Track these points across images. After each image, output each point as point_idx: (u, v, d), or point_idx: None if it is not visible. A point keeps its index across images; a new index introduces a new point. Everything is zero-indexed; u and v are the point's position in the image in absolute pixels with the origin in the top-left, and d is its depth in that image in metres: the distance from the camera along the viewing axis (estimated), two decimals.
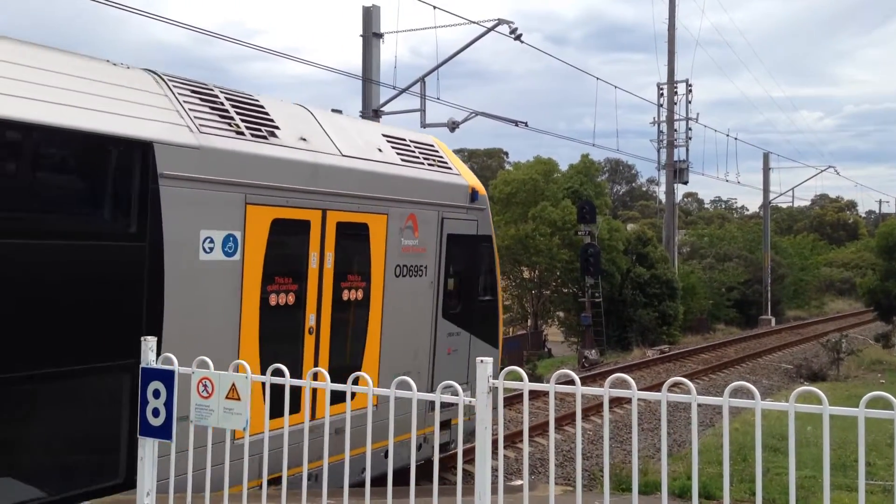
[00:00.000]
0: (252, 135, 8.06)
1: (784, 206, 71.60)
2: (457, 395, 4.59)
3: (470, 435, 9.78)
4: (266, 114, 8.55)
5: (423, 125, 17.84)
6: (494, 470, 4.62)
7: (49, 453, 6.36)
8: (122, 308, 6.79)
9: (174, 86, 7.75)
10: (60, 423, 6.41)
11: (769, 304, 38.77)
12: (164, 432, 4.86)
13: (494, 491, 4.50)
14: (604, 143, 42.76)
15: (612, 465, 12.14)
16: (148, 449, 5.03)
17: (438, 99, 16.95)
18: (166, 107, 7.44)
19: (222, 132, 7.75)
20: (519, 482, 10.81)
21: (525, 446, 4.66)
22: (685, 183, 30.91)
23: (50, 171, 6.64)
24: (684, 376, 18.88)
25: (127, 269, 6.85)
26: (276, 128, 8.48)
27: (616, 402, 16.80)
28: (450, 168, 11.03)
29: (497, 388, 4.56)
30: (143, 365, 5.04)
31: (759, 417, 4.05)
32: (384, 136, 10.35)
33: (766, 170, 40.88)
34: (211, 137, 7.56)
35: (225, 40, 24.79)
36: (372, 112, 17.81)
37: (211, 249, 7.50)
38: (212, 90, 8.17)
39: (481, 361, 4.57)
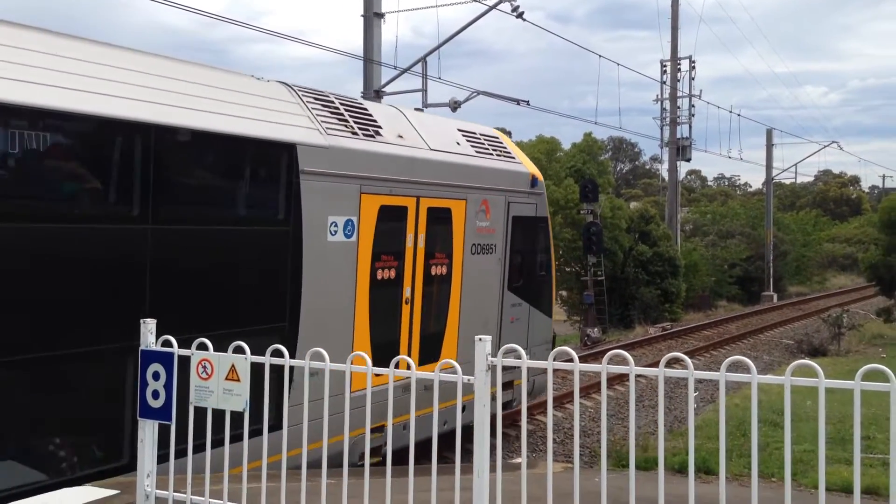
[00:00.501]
0: (363, 134, 9.53)
1: (787, 182, 71.45)
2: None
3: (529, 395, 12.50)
4: (370, 115, 10.01)
5: (425, 105, 17.78)
6: (495, 447, 4.64)
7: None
8: (275, 279, 8.38)
9: (303, 94, 9.23)
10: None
11: (771, 280, 38.80)
12: (163, 414, 4.90)
13: (494, 469, 4.54)
14: (607, 122, 42.68)
15: (613, 441, 12.21)
16: (148, 431, 5.08)
17: (440, 79, 16.91)
18: (300, 113, 8.93)
19: (342, 133, 9.25)
20: (518, 460, 10.88)
21: (524, 424, 4.70)
22: (688, 160, 30.84)
23: (228, 171, 8.30)
24: (686, 353, 18.94)
25: (277, 248, 8.40)
26: (380, 127, 9.93)
27: (617, 379, 16.85)
28: (513, 157, 12.58)
29: (495, 365, 4.58)
30: (142, 347, 5.07)
31: (756, 391, 4.07)
32: (459, 130, 11.81)
33: (769, 146, 40.76)
34: (335, 138, 9.08)
35: (228, 23, 24.66)
36: (373, 93, 17.74)
37: (335, 232, 9.02)
38: (328, 97, 9.62)
39: (479, 340, 4.60)
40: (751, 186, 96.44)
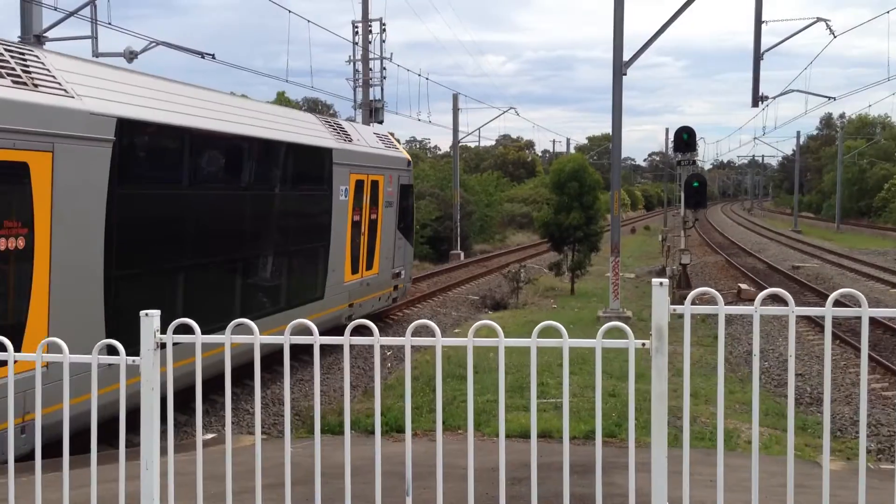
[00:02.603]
0: (354, 141, 17.11)
1: (472, 145, 75.89)
2: (117, 353, 4.09)
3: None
4: (350, 128, 17.86)
5: (96, 54, 16.11)
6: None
7: (289, 282, 14.38)
8: (320, 220, 15.43)
9: (320, 119, 17.03)
10: (305, 263, 15.06)
11: (459, 239, 40.93)
12: None
13: (171, 451, 4.09)
14: (301, 82, 41.97)
15: (308, 408, 12.07)
16: None
17: (110, 24, 15.33)
18: (323, 130, 16.02)
19: (344, 140, 16.51)
20: (211, 436, 10.34)
21: (198, 402, 4.26)
22: (381, 122, 31.27)
23: (306, 161, 15.05)
24: (381, 314, 19.33)
25: (322, 202, 15.45)
26: (352, 133, 17.56)
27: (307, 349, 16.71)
28: (398, 148, 20.91)
29: (167, 343, 4.11)
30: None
31: (440, 353, 4.06)
32: (374, 133, 19.67)
33: (456, 110, 42.75)
34: (341, 143, 16.25)
35: None
36: (33, 38, 15.70)
37: (342, 195, 16.12)
38: (331, 119, 18.40)
39: (146, 315, 4.08)
40: (440, 149, 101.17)
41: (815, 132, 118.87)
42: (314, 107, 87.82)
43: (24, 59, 8.86)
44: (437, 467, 4.02)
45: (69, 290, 8.95)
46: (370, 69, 29.60)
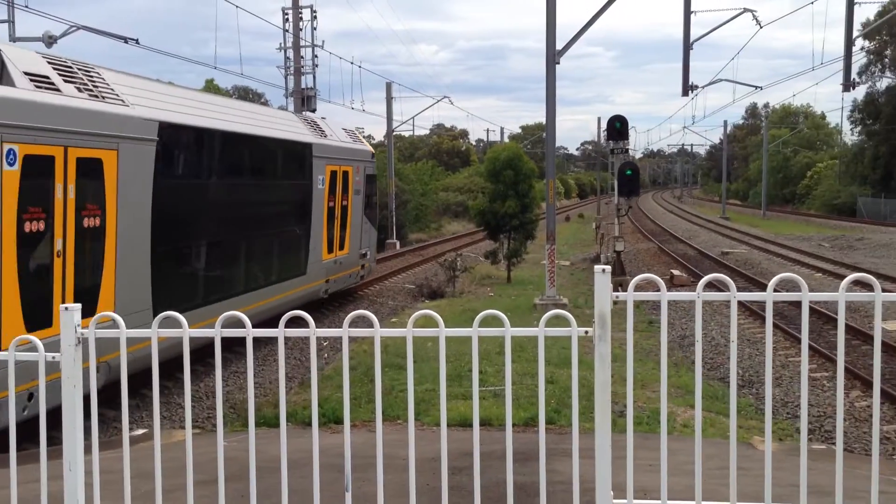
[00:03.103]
0: (330, 137, 19.77)
1: (406, 134, 75.56)
2: (34, 350, 3.87)
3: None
4: (325, 126, 20.30)
5: (12, 39, 15.44)
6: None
7: (281, 258, 16.51)
8: (303, 205, 17.62)
9: (300, 118, 19.59)
10: (293, 243, 17.19)
11: (394, 228, 40.75)
12: None
13: (95, 449, 3.88)
14: (232, 69, 41.12)
15: (242, 401, 11.84)
16: None
17: (27, 7, 14.68)
18: (302, 128, 18.29)
19: (322, 137, 19.06)
20: (141, 431, 10.03)
21: (124, 400, 4.07)
22: (313, 111, 30.77)
23: (290, 155, 17.24)
24: (314, 306, 19.07)
25: (305, 190, 17.64)
26: (327, 131, 20.04)
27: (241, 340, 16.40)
28: (363, 142, 23.60)
29: (88, 338, 3.90)
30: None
31: (379, 344, 3.96)
32: (343, 129, 21.96)
33: (389, 99, 42.43)
34: (320, 139, 18.76)
35: None
36: None
37: (320, 183, 18.43)
38: (309, 117, 20.83)
39: (65, 309, 3.87)
40: (374, 138, 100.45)
41: (741, 121, 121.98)
42: (244, 95, 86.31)
43: (90, 75, 10.96)
44: (377, 458, 3.91)
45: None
46: (301, 57, 29.14)
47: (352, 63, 39.73)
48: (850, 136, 77.76)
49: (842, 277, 24.47)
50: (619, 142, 24.73)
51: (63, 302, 9.93)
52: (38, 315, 9.37)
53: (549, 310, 4.01)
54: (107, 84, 11.06)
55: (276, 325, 3.90)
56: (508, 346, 3.96)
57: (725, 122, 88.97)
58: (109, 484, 4.35)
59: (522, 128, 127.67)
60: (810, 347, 14.17)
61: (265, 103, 49.73)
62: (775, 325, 16.24)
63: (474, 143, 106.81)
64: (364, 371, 11.97)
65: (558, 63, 20.13)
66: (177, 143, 12.55)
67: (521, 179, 26.11)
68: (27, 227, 9.21)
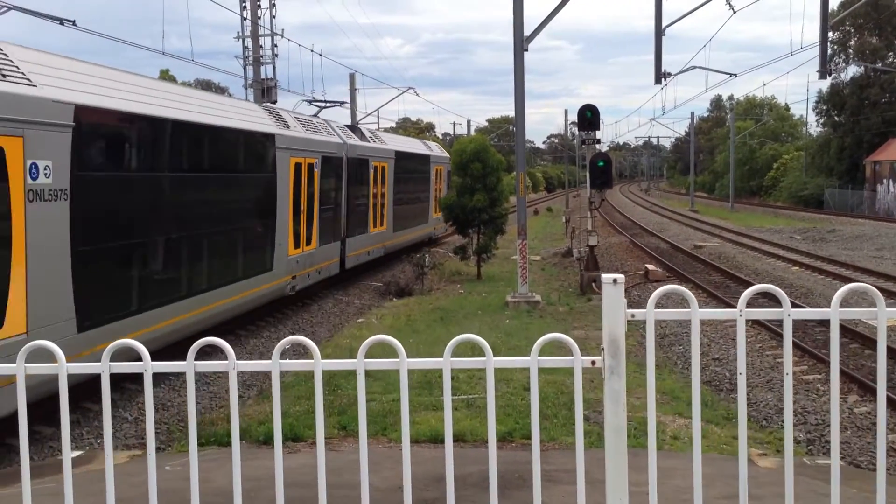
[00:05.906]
0: (304, 129, 19.52)
1: (372, 127, 74.31)
2: None
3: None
4: (305, 120, 20.51)
5: None
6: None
7: (249, 251, 16.08)
8: (268, 198, 16.91)
9: (265, 108, 18.67)
10: (257, 237, 16.62)
11: None
12: None
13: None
14: (184, 58, 39.74)
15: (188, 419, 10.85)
16: None
17: None
18: (267, 119, 17.48)
19: (287, 128, 18.20)
20: (77, 453, 9.04)
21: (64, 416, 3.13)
22: (274, 102, 29.68)
23: (252, 146, 16.43)
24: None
25: (270, 183, 16.98)
26: (289, 120, 18.93)
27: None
28: (333, 132, 22.27)
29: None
30: None
31: (320, 378, 3.09)
32: (311, 118, 21.78)
33: (353, 90, 41.35)
34: (284, 130, 17.86)
35: None
36: None
37: (285, 175, 17.61)
38: (273, 108, 19.49)
39: None
40: None
41: (706, 114, 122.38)
42: (207, 87, 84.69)
43: None
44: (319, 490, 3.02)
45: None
46: (261, 46, 28.02)
47: (312, 51, 38.55)
48: (815, 127, 78.08)
49: (820, 270, 23.97)
50: (591, 132, 23.92)
51: None
52: None
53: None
54: (10, 61, 9.70)
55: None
56: (491, 379, 3.09)
57: (693, 113, 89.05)
58: None
59: (489, 121, 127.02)
60: (800, 348, 13.47)
61: (227, 95, 48.45)
62: (761, 325, 15.53)
63: (441, 136, 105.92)
64: (327, 379, 11.05)
65: (526, 49, 19.38)
66: (101, 129, 11.21)
67: (489, 172, 25.23)
68: None
